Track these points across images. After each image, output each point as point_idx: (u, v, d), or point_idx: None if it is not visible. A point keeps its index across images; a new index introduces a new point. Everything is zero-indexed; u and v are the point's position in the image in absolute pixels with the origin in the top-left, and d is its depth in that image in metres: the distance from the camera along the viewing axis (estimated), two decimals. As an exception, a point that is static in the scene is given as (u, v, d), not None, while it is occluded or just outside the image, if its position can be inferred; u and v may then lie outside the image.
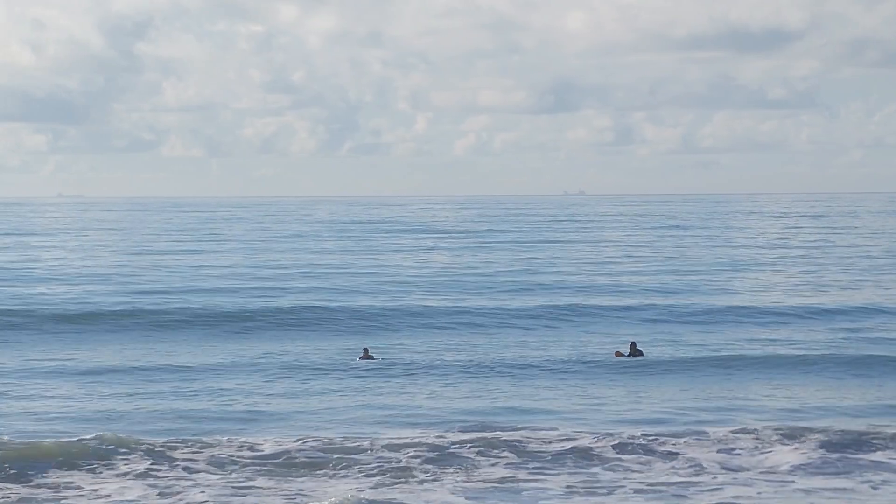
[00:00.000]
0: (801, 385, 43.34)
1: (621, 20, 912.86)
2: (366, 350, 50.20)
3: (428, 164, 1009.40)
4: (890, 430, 34.36)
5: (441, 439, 33.46)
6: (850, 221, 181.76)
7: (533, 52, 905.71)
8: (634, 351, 49.06)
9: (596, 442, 33.10)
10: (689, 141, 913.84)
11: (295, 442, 33.02)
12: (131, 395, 41.08)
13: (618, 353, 48.90)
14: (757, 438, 33.58)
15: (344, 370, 46.52)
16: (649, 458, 31.99)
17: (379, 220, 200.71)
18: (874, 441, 33.52)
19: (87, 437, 32.52)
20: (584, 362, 47.70)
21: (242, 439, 33.50)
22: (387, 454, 31.96)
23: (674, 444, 33.02)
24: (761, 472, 30.81)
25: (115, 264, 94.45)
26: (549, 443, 33.05)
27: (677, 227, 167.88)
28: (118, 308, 62.20)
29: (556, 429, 34.87)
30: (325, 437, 33.70)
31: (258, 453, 32.08)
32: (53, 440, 32.48)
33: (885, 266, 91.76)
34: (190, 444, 32.84)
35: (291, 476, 30.28)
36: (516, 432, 34.25)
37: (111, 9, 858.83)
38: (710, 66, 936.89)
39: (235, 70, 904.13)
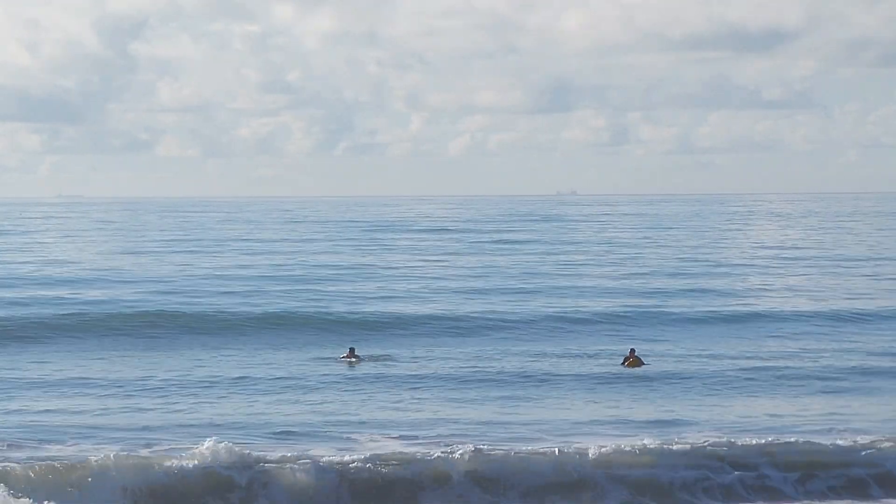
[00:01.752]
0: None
1: (618, 20, 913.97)
2: (351, 350, 48.60)
3: (424, 164, 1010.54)
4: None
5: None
6: (846, 222, 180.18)
7: (529, 52, 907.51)
8: (634, 358, 47.01)
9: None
10: (686, 141, 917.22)
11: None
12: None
13: (630, 363, 46.80)
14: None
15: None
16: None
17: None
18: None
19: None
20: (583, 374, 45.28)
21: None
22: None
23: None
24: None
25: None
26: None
27: (662, 227, 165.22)
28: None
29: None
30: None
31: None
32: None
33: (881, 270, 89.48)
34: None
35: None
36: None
37: (107, 9, 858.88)
38: (706, 66, 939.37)
39: (232, 70, 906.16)
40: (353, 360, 47.86)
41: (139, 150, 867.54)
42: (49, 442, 32.53)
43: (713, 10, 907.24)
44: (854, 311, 62.08)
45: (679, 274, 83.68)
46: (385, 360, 48.41)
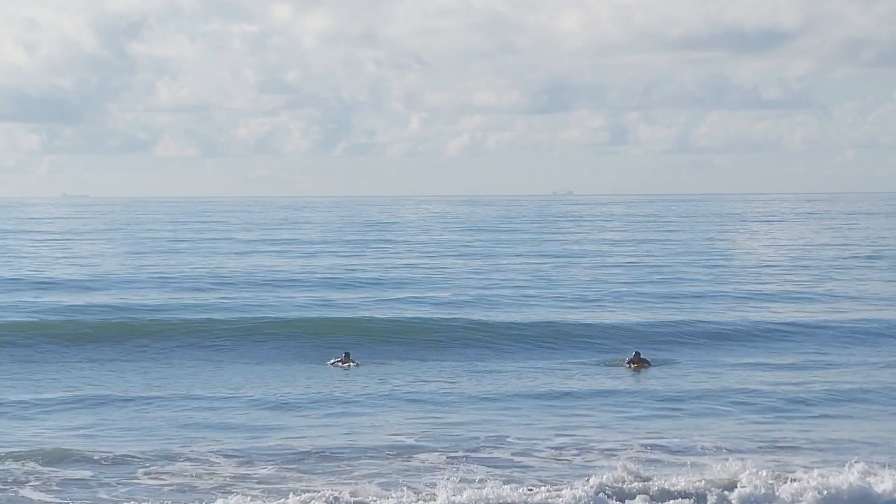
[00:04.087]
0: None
1: (616, 20, 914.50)
2: (347, 354, 47.19)
3: (422, 165, 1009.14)
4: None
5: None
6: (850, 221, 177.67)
7: (527, 52, 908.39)
8: (638, 361, 45.63)
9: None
10: (684, 141, 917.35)
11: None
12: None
13: (638, 363, 45.42)
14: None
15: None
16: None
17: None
18: None
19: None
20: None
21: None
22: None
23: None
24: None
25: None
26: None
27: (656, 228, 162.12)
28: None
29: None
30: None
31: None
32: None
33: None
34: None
35: None
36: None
37: (105, 8, 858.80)
38: (704, 66, 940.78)
39: (230, 70, 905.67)
40: (348, 364, 46.52)
41: (137, 150, 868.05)
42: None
43: (710, 10, 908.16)
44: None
45: (705, 278, 79.90)
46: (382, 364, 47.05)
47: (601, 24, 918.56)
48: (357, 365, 46.51)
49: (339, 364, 46.68)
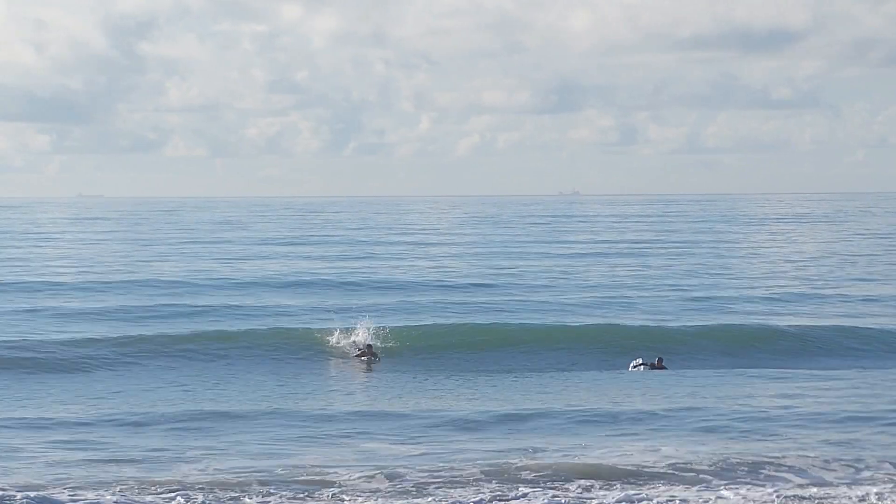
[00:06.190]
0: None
1: (624, 20, 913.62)
2: (369, 347, 47.08)
3: (431, 165, 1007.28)
4: None
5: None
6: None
7: (536, 51, 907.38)
8: (660, 367, 45.70)
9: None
10: (693, 141, 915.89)
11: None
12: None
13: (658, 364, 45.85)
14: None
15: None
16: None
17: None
18: None
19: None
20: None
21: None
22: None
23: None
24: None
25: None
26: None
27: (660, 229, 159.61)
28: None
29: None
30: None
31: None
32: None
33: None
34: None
35: None
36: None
37: (114, 8, 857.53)
38: (713, 65, 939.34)
39: (239, 70, 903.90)
40: (370, 358, 46.50)
41: (146, 150, 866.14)
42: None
43: (719, 9, 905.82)
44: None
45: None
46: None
47: (610, 23, 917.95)
48: (378, 360, 46.55)
49: (361, 357, 46.65)
